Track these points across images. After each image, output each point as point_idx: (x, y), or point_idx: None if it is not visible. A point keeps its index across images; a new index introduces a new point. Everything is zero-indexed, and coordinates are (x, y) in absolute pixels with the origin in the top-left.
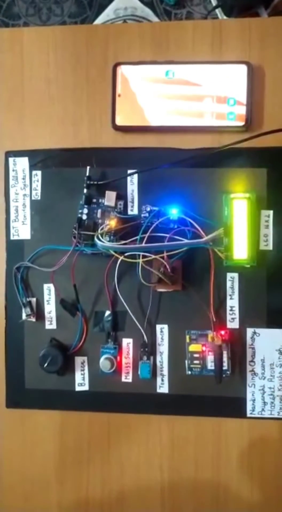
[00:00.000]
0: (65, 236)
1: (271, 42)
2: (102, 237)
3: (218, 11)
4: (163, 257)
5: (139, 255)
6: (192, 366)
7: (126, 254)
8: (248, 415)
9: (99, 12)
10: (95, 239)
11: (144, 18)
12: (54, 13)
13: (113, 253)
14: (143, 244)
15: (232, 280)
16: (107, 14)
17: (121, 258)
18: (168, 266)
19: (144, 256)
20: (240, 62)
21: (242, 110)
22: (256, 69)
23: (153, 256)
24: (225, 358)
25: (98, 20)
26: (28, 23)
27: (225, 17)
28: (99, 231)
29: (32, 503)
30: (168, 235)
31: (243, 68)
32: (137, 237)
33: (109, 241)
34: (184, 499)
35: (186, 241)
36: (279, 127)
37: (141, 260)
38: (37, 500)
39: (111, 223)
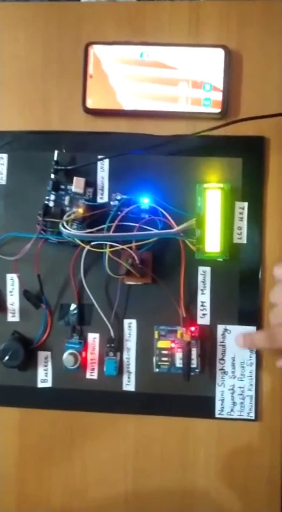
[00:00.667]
0: (32, 224)
1: (251, 26)
2: (68, 225)
3: None
4: (131, 248)
5: (106, 245)
6: (160, 363)
7: (92, 243)
8: (217, 415)
9: None
10: (60, 226)
11: None
12: None
13: (79, 242)
14: (110, 233)
15: (204, 274)
16: None
17: (87, 247)
18: (136, 258)
19: (111, 246)
20: (217, 46)
21: (218, 96)
22: (234, 53)
23: (120, 246)
24: (194, 356)
25: None
26: None
27: None
28: (64, 218)
29: None
30: (137, 225)
31: (220, 52)
32: (105, 225)
33: (75, 229)
34: (149, 502)
35: (155, 231)
36: (256, 114)
37: (107, 250)
38: None
39: (78, 210)
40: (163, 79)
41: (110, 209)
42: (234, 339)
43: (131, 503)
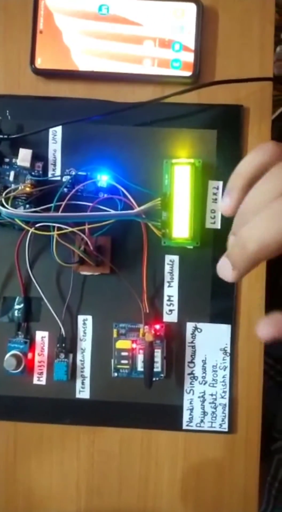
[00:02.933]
0: None
1: None
2: (7, 203)
3: None
4: (84, 231)
5: (54, 227)
6: (119, 366)
7: (37, 225)
8: (184, 427)
9: None
10: None
11: None
12: None
13: (21, 223)
14: (57, 213)
15: (171, 264)
16: None
17: (31, 230)
18: (89, 243)
19: (59, 229)
20: (189, 0)
21: (189, 58)
22: (208, 10)
23: (70, 229)
24: (158, 358)
25: None
26: None
27: None
28: (3, 195)
29: None
30: (91, 204)
31: (192, 7)
32: (52, 204)
33: (21, 209)
34: None
35: (112, 212)
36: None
37: (55, 233)
38: None
39: (22, 187)
40: (125, 36)
41: (61, 185)
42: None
43: None
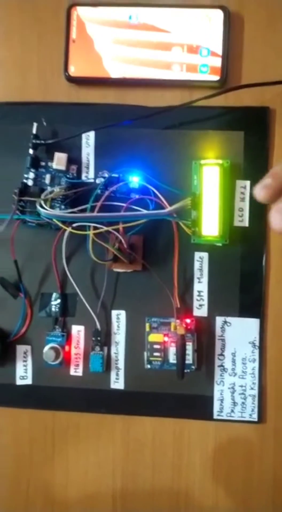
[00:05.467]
0: (9, 204)
1: None
2: (46, 204)
3: None
4: (118, 230)
5: (90, 227)
6: (151, 359)
7: (74, 225)
8: (215, 417)
9: None
10: (37, 206)
11: None
12: None
13: (59, 223)
14: (93, 214)
15: (201, 261)
16: None
17: (68, 229)
18: (123, 241)
19: (95, 228)
20: (215, 7)
21: (216, 62)
22: (234, 15)
23: (105, 228)
24: (189, 351)
25: None
26: None
27: None
28: (42, 197)
29: None
30: (124, 205)
31: (219, 14)
32: (88, 205)
33: (57, 210)
34: (139, 509)
35: (144, 211)
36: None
37: (91, 232)
38: None
39: (58, 189)
40: (154, 43)
41: (95, 187)
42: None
43: (119, 510)
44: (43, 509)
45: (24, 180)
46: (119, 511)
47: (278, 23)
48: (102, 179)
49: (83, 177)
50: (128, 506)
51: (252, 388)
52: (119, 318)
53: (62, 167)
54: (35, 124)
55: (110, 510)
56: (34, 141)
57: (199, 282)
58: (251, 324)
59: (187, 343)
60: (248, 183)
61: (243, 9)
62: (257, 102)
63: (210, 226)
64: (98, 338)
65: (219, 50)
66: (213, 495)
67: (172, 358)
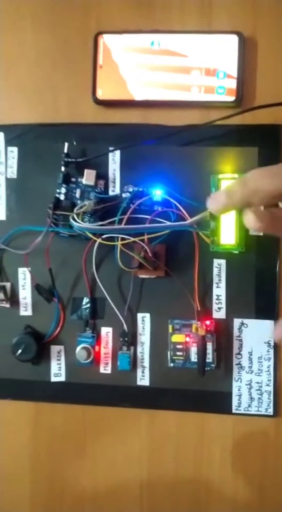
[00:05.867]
0: (43, 217)
1: (265, 11)
2: (78, 218)
3: None
4: (143, 241)
5: (118, 237)
6: (174, 357)
7: (104, 236)
8: (234, 411)
9: None
10: (70, 219)
11: None
12: None
13: (90, 235)
14: (121, 226)
15: (219, 267)
16: None
17: (98, 240)
18: (148, 250)
19: (123, 239)
20: (231, 32)
21: (232, 84)
22: (248, 40)
23: (132, 239)
24: (209, 350)
25: None
26: None
27: None
28: (75, 211)
29: (4, 497)
30: (149, 217)
31: (234, 39)
32: (116, 218)
33: (86, 222)
34: (164, 497)
35: (167, 223)
36: (272, 102)
37: (119, 243)
38: (9, 494)
39: (89, 203)
40: (174, 67)
41: (121, 201)
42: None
43: (145, 497)
44: (75, 498)
45: (57, 195)
46: (145, 500)
47: None
48: (129, 194)
49: (110, 191)
50: (154, 496)
51: (267, 385)
52: (144, 321)
53: (91, 182)
54: (66, 144)
55: (138, 499)
56: (65, 159)
57: (218, 286)
58: (266, 325)
59: (207, 343)
60: None
61: (257, 34)
62: (270, 120)
63: (228, 235)
64: (125, 339)
65: (234, 72)
66: (231, 485)
67: (193, 357)
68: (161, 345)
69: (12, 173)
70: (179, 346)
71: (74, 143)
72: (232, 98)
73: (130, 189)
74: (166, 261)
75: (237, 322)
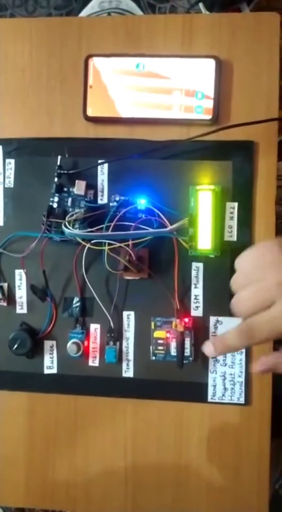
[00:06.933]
0: (37, 224)
1: (241, 37)
2: (69, 225)
3: (201, 6)
4: (128, 246)
5: (105, 243)
6: (156, 351)
7: (92, 241)
8: (209, 400)
9: (84, 5)
10: (63, 226)
11: (128, 11)
12: (40, 5)
13: (80, 240)
14: (108, 232)
15: (197, 270)
16: (92, 6)
17: (88, 245)
18: (133, 255)
19: (109, 244)
20: (208, 57)
21: (209, 104)
22: (224, 63)
23: (118, 244)
24: (187, 345)
25: (83, 13)
26: (14, 14)
27: (207, 12)
28: (66, 219)
29: (1, 483)
30: (133, 224)
31: (211, 63)
32: (104, 225)
33: (77, 229)
34: (147, 479)
35: (150, 230)
36: (246, 121)
37: (106, 248)
38: (5, 480)
39: (80, 211)
40: (157, 88)
41: (109, 209)
42: (204, 349)
43: (130, 480)
44: (67, 482)
45: (50, 203)
46: (130, 479)
47: (262, 69)
48: (115, 203)
49: (99, 200)
50: (138, 476)
51: (239, 376)
52: (129, 318)
53: (82, 192)
54: (59, 157)
55: (123, 478)
56: (58, 171)
57: (196, 287)
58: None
59: (186, 338)
60: (236, 204)
61: (233, 57)
62: (243, 137)
63: (204, 241)
64: (112, 335)
65: (211, 93)
66: (208, 467)
67: (173, 351)
68: (144, 340)
69: (10, 183)
70: (160, 341)
71: (67, 156)
72: (209, 117)
73: (117, 198)
74: (148, 264)
75: (213, 319)
